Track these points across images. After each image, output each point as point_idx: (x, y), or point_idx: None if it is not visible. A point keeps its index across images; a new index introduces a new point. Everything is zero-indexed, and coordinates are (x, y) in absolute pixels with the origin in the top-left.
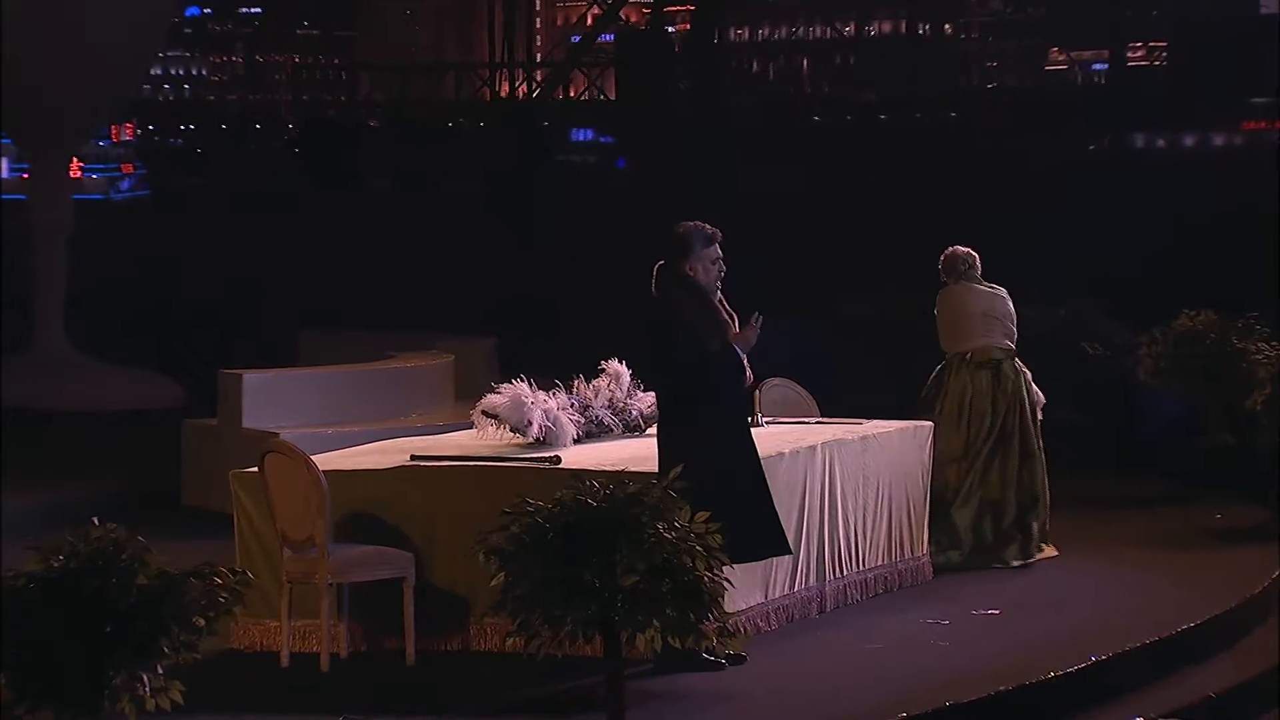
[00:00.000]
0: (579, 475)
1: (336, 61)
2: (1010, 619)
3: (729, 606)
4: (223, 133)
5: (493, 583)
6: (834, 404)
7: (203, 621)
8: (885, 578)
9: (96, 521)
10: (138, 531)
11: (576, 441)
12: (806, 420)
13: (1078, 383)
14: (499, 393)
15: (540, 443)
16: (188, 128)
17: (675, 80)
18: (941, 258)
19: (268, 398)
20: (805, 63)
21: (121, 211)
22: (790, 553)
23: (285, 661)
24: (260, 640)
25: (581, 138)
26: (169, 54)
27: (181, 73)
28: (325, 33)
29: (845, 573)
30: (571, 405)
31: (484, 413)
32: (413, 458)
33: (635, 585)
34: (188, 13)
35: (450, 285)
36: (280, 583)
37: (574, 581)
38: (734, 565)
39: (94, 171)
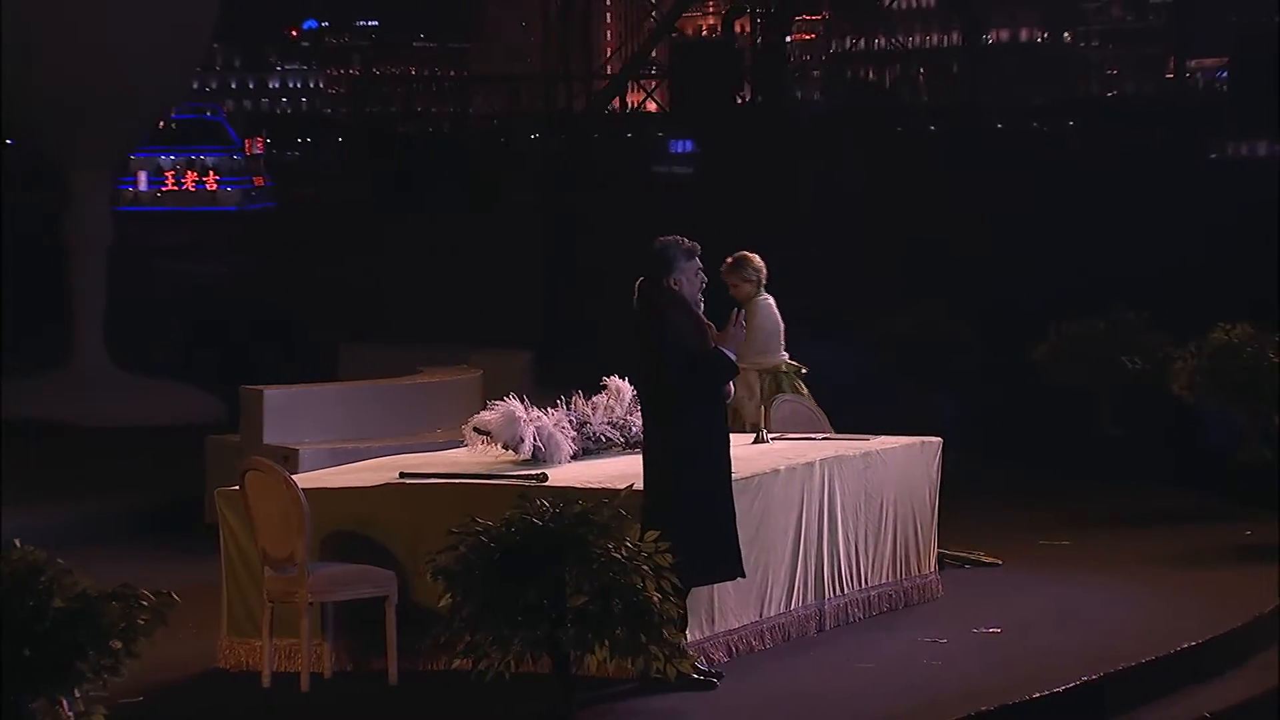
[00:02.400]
0: (525, 495)
1: (452, 73)
2: (1010, 637)
3: (733, 623)
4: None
5: (440, 604)
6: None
7: (119, 644)
8: (890, 595)
9: (19, 544)
10: (157, 546)
11: (573, 458)
12: (813, 436)
13: (1118, 396)
14: (490, 409)
15: (535, 460)
16: (305, 140)
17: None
18: (752, 261)
19: (289, 413)
20: (921, 71)
21: (251, 223)
22: (744, 575)
23: (267, 681)
24: (245, 659)
25: (680, 149)
26: (286, 67)
27: (298, 85)
28: (441, 45)
29: (847, 590)
30: (569, 421)
31: (475, 430)
32: (401, 475)
33: (584, 605)
34: (305, 26)
35: (507, 297)
36: (262, 601)
37: (520, 602)
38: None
39: (229, 184)
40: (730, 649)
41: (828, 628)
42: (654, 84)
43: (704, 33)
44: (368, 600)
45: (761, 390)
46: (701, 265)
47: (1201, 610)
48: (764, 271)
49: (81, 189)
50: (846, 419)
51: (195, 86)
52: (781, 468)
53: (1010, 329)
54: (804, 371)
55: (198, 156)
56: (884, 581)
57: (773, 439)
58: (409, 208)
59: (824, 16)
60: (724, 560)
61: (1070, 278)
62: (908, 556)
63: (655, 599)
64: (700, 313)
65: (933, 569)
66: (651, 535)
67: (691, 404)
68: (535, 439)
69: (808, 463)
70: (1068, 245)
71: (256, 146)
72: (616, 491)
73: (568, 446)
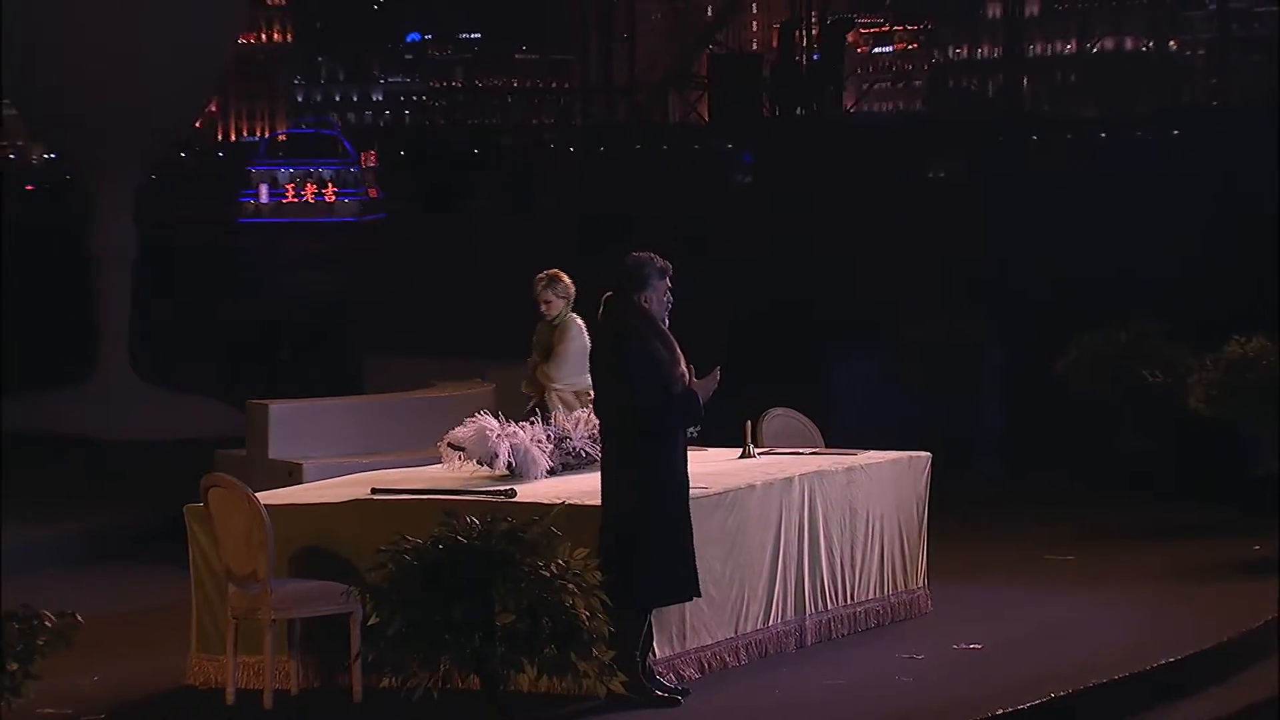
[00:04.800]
0: (453, 512)
1: (554, 85)
2: (989, 654)
3: (706, 639)
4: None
5: (369, 622)
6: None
7: (15, 666)
8: (877, 611)
9: None
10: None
11: (551, 473)
12: (800, 451)
13: (1138, 409)
14: (464, 425)
15: (511, 475)
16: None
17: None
18: (564, 280)
19: (294, 428)
20: (1025, 80)
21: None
22: (700, 595)
23: (231, 699)
24: (214, 676)
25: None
26: (389, 79)
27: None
28: (544, 56)
29: (830, 606)
30: (547, 437)
31: (450, 445)
32: (373, 491)
33: (512, 624)
34: (408, 38)
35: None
36: (227, 618)
37: (446, 620)
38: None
39: (346, 196)
40: (703, 665)
41: (809, 643)
42: (696, 95)
43: (754, 45)
44: (334, 617)
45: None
46: (671, 286)
47: (1192, 625)
48: (573, 291)
49: (105, 202)
50: (863, 427)
51: (300, 99)
52: (758, 483)
53: (1046, 338)
54: None
55: (315, 169)
56: (870, 597)
57: (760, 453)
58: (516, 218)
59: (925, 25)
60: (684, 580)
61: (1129, 289)
62: (894, 572)
63: (584, 616)
64: (667, 330)
65: (921, 584)
66: (581, 552)
67: (657, 430)
68: (509, 454)
69: (786, 478)
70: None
71: (370, 159)
72: (548, 508)
73: (544, 462)
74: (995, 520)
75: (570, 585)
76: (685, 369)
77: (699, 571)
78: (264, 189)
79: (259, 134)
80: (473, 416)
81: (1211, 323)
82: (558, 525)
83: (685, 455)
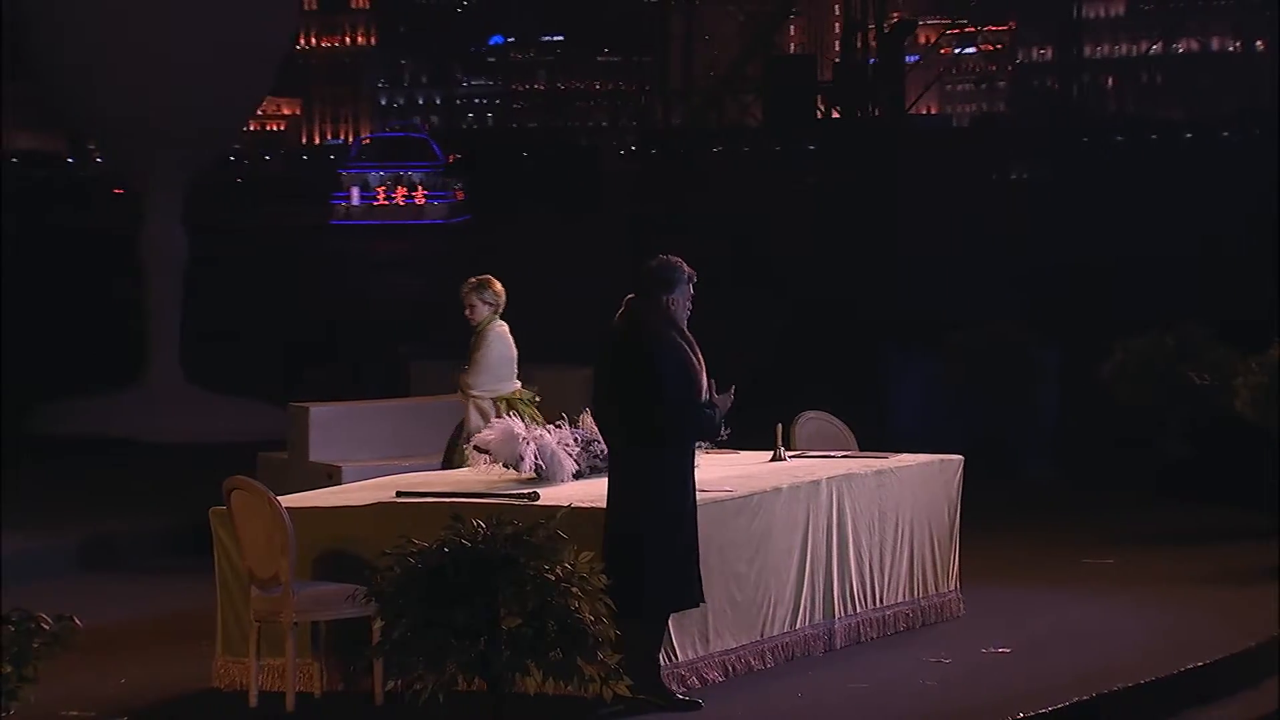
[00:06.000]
0: (459, 516)
1: (635, 87)
2: (1017, 658)
3: (730, 643)
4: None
5: (375, 626)
6: None
7: (9, 668)
8: (907, 614)
9: None
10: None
11: (577, 476)
12: (832, 454)
13: (1185, 414)
14: (490, 428)
15: (538, 478)
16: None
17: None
18: (494, 286)
19: (335, 430)
20: (1110, 81)
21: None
22: (704, 601)
23: (254, 701)
24: (239, 679)
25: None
26: (473, 82)
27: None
28: (626, 58)
29: (859, 610)
30: (574, 439)
31: (476, 448)
32: (398, 494)
33: (517, 628)
34: (490, 41)
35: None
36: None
37: (450, 624)
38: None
39: (435, 198)
40: (727, 669)
41: (837, 647)
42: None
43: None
44: (357, 620)
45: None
46: (693, 294)
47: (1224, 630)
48: (503, 299)
49: (155, 208)
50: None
51: (383, 102)
52: (784, 486)
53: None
54: (538, 400)
55: (405, 172)
56: (900, 600)
57: (791, 457)
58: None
59: (1011, 27)
60: (691, 586)
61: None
62: (925, 575)
63: (589, 620)
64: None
65: (953, 588)
66: (586, 556)
67: (684, 435)
68: (536, 457)
69: (813, 481)
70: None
71: (453, 161)
72: (554, 512)
73: (570, 465)
74: (1037, 523)
75: (575, 589)
76: (708, 380)
77: (720, 575)
78: (355, 192)
79: (343, 137)
80: (501, 419)
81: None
82: (564, 529)
83: (693, 466)
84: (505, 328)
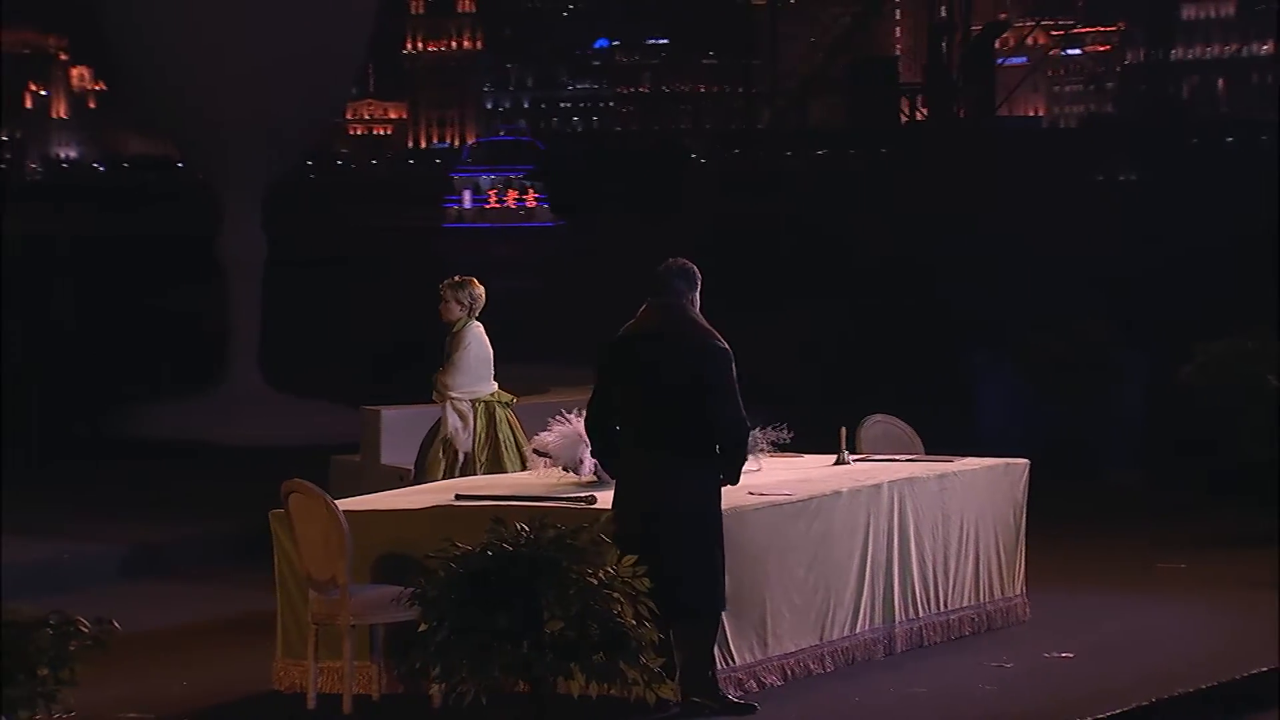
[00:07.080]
0: (500, 519)
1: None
2: (1078, 663)
3: (789, 646)
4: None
5: (420, 629)
6: None
7: (46, 671)
8: (972, 619)
9: None
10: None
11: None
12: (897, 457)
13: (1265, 417)
14: (550, 431)
15: (598, 482)
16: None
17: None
18: (474, 287)
19: (407, 434)
20: (1221, 82)
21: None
22: (726, 609)
23: (312, 704)
24: (299, 681)
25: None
26: (578, 85)
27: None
28: (728, 61)
29: (922, 614)
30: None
31: (536, 451)
32: (457, 497)
33: (560, 631)
34: (596, 44)
35: None
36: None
37: (491, 628)
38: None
39: (545, 201)
40: (786, 672)
41: (899, 651)
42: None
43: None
44: (416, 622)
45: (475, 419)
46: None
47: None
48: (481, 302)
49: (234, 211)
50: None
51: (489, 106)
52: (844, 490)
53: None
54: (514, 401)
55: (516, 175)
56: (964, 604)
57: (855, 460)
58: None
59: (1120, 28)
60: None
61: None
62: (990, 579)
63: (631, 624)
64: None
65: (1019, 592)
66: (629, 560)
67: (741, 441)
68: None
69: (875, 484)
70: None
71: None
72: (597, 515)
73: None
74: (1113, 527)
75: (617, 594)
76: None
77: (779, 579)
78: (467, 194)
79: (449, 141)
80: (560, 421)
81: None
82: (607, 532)
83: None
84: (481, 329)
